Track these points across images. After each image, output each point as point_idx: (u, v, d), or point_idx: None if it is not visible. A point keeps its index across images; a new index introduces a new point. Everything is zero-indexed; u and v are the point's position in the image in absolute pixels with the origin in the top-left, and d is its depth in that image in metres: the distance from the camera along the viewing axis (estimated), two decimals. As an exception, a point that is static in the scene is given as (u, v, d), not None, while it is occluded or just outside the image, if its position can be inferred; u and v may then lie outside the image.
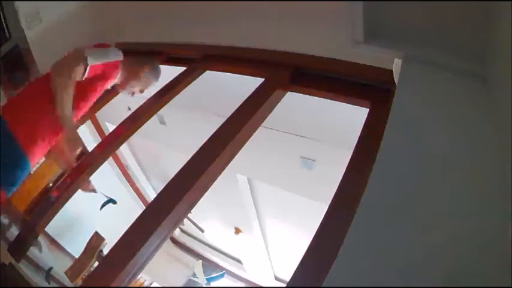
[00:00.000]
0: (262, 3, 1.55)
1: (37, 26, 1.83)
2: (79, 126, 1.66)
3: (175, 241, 5.74)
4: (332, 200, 1.06)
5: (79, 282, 2.91)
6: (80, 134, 1.65)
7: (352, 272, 0.72)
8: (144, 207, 1.30)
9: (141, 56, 1.80)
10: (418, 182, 0.84)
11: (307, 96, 1.53)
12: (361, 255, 0.74)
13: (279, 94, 1.51)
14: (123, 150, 4.59)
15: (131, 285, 1.21)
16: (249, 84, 1.53)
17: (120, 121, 1.81)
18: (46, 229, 2.14)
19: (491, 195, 0.77)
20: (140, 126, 1.77)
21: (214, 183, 1.31)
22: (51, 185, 2.63)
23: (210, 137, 1.37)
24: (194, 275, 5.14)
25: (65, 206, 1.59)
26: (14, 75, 1.81)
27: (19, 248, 1.47)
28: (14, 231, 1.65)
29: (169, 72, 1.84)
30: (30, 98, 1.43)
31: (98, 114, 3.64)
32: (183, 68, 1.85)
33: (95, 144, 1.98)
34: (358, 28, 1.20)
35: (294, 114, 2.20)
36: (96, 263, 3.06)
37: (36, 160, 1.50)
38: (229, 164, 1.36)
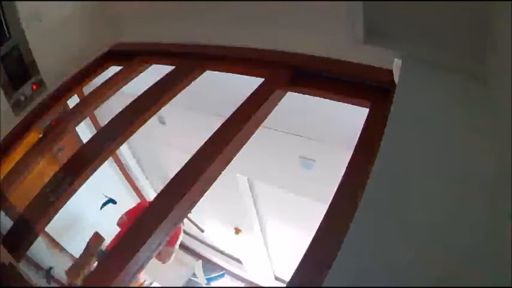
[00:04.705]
0: (262, 3, 1.54)
1: (37, 26, 1.83)
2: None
3: (175, 241, 5.73)
4: (332, 200, 1.06)
5: (79, 282, 2.91)
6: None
7: (351, 272, 0.72)
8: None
9: None
10: (418, 182, 0.84)
11: (307, 96, 1.53)
12: (361, 255, 0.74)
13: (279, 94, 1.51)
14: (123, 150, 4.59)
15: (131, 285, 1.21)
16: (249, 84, 1.53)
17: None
18: (46, 229, 2.14)
19: (491, 195, 0.77)
20: (140, 126, 1.77)
21: (214, 183, 1.31)
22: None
23: (210, 137, 1.37)
24: (194, 275, 5.13)
25: (65, 206, 1.59)
26: (13, 75, 1.81)
27: (19, 247, 1.47)
28: (13, 231, 1.65)
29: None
30: None
31: (98, 114, 3.64)
32: (182, 68, 1.85)
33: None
34: (358, 28, 1.20)
35: (294, 114, 2.20)
36: (96, 263, 3.06)
37: None
38: (229, 164, 1.36)
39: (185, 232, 5.36)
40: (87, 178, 1.57)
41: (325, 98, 1.50)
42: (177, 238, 3.59)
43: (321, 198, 1.42)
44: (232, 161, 1.37)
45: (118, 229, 3.27)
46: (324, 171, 2.40)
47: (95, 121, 3.83)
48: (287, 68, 1.51)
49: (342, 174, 1.12)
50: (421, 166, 0.87)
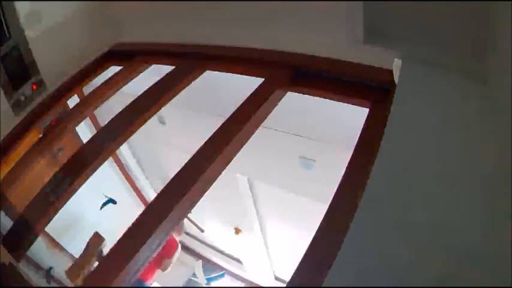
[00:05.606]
0: (262, 3, 1.54)
1: (37, 26, 1.83)
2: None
3: (175, 241, 5.73)
4: (332, 200, 1.06)
5: (79, 282, 2.91)
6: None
7: (351, 272, 0.72)
8: (144, 207, 1.30)
9: None
10: (418, 182, 0.84)
11: (307, 96, 1.53)
12: (361, 255, 0.74)
13: (279, 94, 1.51)
14: (123, 150, 4.59)
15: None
16: (249, 84, 1.53)
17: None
18: (46, 229, 2.15)
19: (490, 195, 0.77)
20: (140, 126, 1.77)
21: (214, 183, 1.31)
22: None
23: (210, 137, 1.37)
24: (194, 275, 5.14)
25: (65, 205, 1.59)
26: (13, 75, 1.81)
27: (19, 247, 1.47)
28: (13, 231, 1.65)
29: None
30: None
31: (98, 114, 3.64)
32: (182, 68, 1.85)
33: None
34: (358, 28, 1.20)
35: (294, 114, 2.20)
36: (96, 263, 3.06)
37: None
38: (229, 164, 1.36)
39: (185, 232, 5.38)
40: (87, 178, 1.57)
41: (325, 98, 1.50)
42: (175, 250, 4.04)
43: (321, 198, 1.42)
44: (232, 161, 1.37)
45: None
46: (324, 171, 2.40)
47: (95, 121, 3.83)
48: (287, 68, 1.51)
49: (342, 174, 1.12)
50: (421, 166, 0.87)
